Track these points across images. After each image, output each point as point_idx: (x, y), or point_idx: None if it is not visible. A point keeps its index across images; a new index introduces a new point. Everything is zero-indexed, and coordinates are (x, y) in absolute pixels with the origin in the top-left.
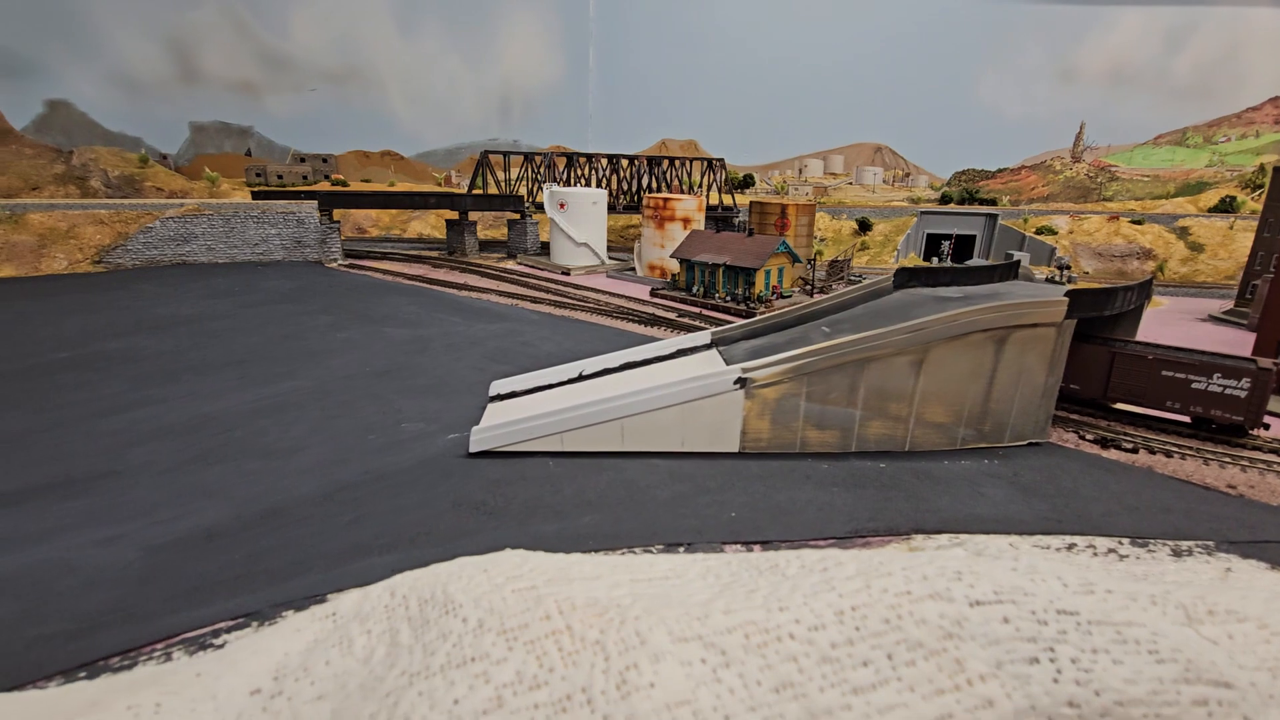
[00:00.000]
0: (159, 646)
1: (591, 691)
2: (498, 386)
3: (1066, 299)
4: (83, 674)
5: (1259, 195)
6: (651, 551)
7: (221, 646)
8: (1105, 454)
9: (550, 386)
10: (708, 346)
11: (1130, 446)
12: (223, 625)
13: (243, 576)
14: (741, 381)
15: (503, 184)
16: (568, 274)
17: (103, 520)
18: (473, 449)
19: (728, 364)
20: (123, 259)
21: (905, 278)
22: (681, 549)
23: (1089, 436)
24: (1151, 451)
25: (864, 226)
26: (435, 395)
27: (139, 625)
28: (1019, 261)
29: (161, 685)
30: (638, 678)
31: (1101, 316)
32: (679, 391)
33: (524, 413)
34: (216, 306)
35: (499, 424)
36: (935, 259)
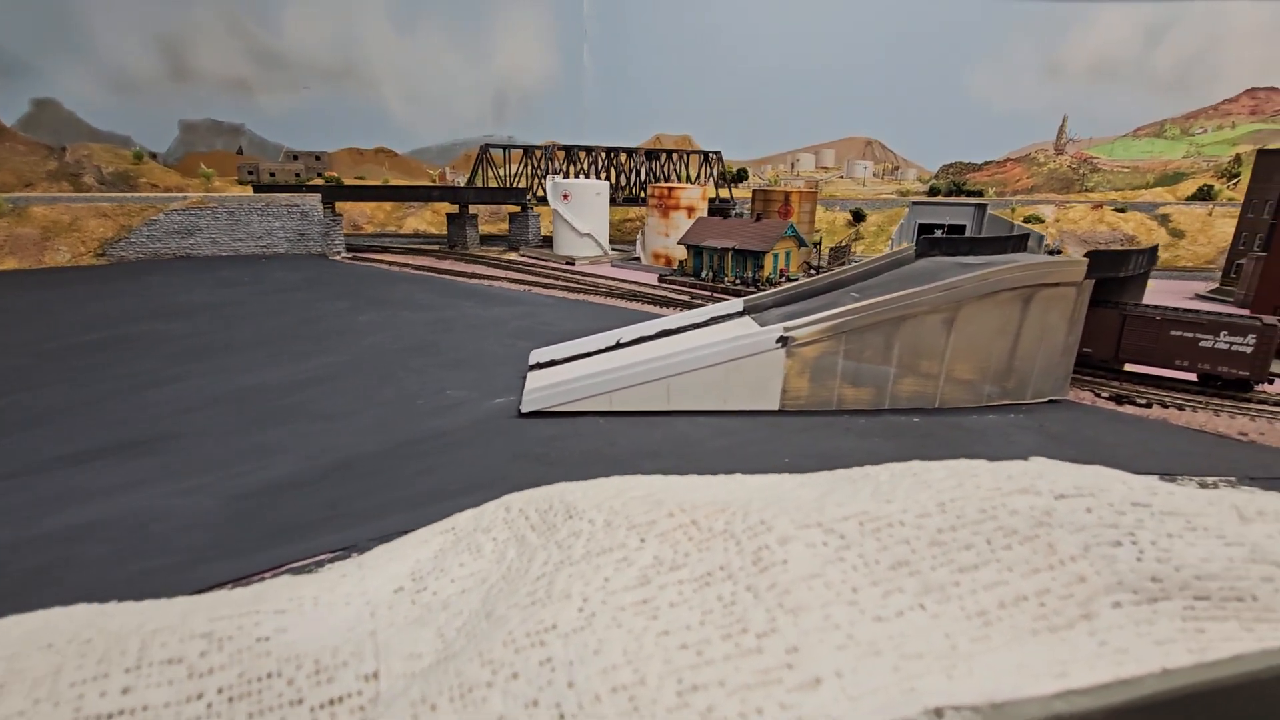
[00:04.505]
0: (267, 575)
1: (730, 568)
2: (537, 355)
3: (1087, 259)
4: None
5: (1234, 184)
6: None
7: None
8: (1121, 409)
9: (589, 355)
10: (740, 314)
11: (1144, 402)
12: (324, 557)
13: (329, 519)
14: (783, 340)
15: (503, 179)
16: (572, 264)
17: (178, 475)
18: (524, 409)
19: (763, 328)
20: (126, 252)
21: (927, 246)
22: None
23: (1104, 394)
24: (1164, 406)
25: (858, 217)
26: (470, 368)
27: (242, 558)
28: (1029, 234)
29: (316, 584)
30: (770, 556)
31: (1115, 278)
32: (723, 350)
33: (569, 376)
34: (230, 294)
35: (549, 384)
36: None
